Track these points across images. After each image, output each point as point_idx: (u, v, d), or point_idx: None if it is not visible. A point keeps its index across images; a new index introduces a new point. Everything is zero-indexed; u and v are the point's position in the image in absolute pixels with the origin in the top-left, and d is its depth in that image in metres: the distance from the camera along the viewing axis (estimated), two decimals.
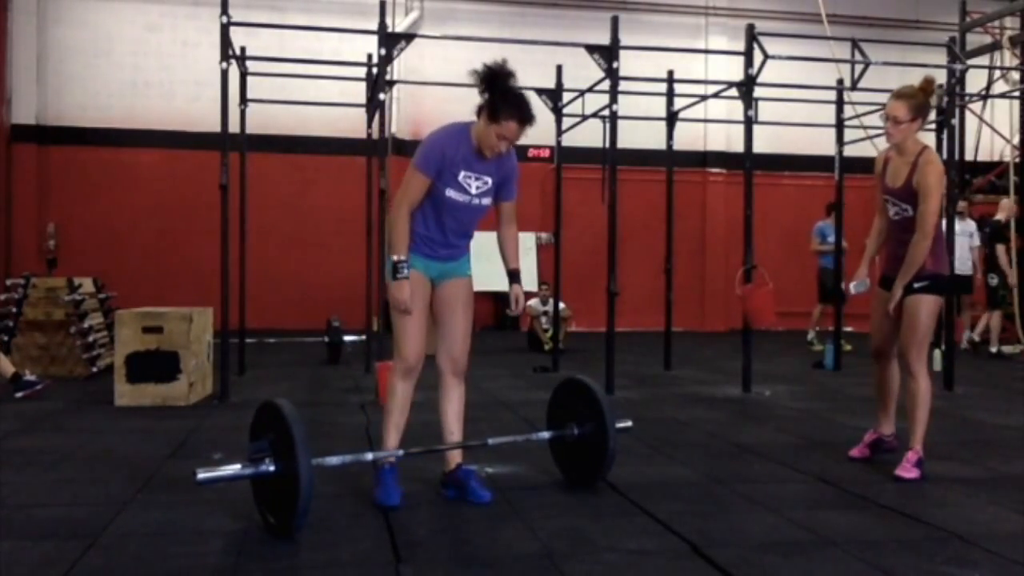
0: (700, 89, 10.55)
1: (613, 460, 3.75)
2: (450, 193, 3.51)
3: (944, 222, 6.19)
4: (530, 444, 3.93)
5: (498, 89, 3.43)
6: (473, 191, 3.55)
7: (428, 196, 3.53)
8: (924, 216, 4.08)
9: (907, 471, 4.06)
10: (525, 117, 3.45)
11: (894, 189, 4.23)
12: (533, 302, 10.77)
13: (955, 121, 8.03)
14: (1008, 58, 12.16)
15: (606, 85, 7.19)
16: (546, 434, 3.97)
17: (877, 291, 4.38)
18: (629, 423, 4.00)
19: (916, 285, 4.15)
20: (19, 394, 6.31)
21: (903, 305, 4.20)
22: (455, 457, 3.69)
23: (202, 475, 3.09)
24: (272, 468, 3.14)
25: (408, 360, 3.58)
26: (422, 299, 3.61)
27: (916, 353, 4.16)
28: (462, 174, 3.51)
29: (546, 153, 13.53)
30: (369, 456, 3.44)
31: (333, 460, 3.42)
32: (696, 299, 14.66)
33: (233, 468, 3.20)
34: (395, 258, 3.49)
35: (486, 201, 3.63)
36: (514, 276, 3.77)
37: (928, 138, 9.05)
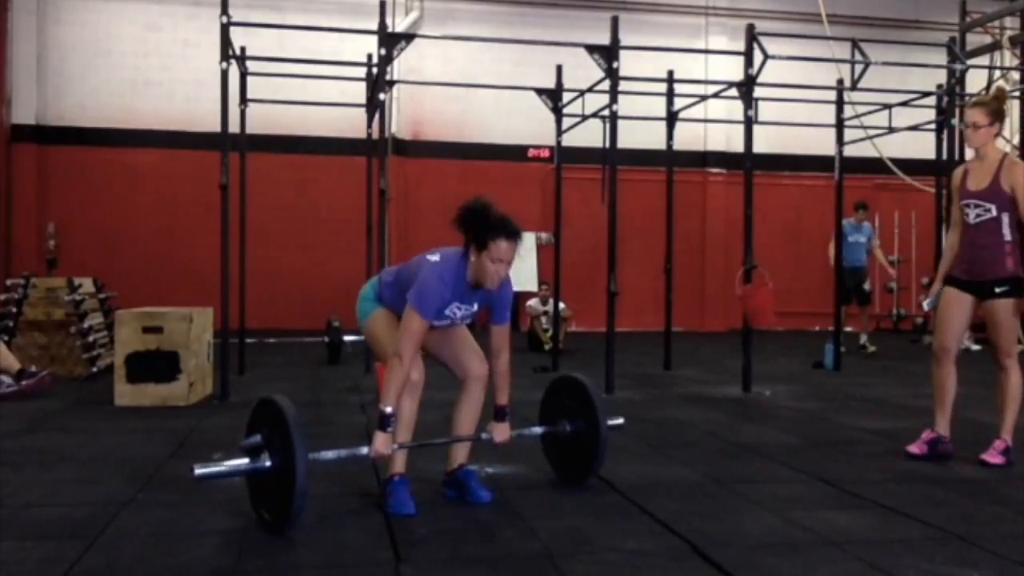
0: (700, 89, 10.54)
1: (604, 457, 3.76)
2: (438, 323, 3.47)
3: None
4: (523, 440, 3.94)
5: (477, 220, 3.33)
6: (457, 317, 3.53)
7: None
8: None
9: (992, 456, 4.30)
10: (511, 232, 3.33)
11: (977, 191, 4.38)
12: (533, 302, 10.78)
13: (955, 121, 8.03)
14: (1008, 58, 12.13)
15: (606, 85, 7.18)
16: (539, 429, 3.98)
17: (946, 290, 4.49)
18: (621, 420, 4.01)
19: (998, 290, 4.30)
20: (24, 382, 6.33)
21: (985, 308, 4.37)
22: (458, 457, 3.68)
23: (199, 471, 3.10)
24: (268, 463, 3.15)
25: (402, 366, 3.36)
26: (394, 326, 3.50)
27: (1006, 353, 4.35)
28: (451, 307, 3.47)
29: (546, 153, 13.55)
30: (364, 451, 3.42)
31: (329, 454, 3.41)
32: (696, 299, 14.66)
33: (230, 463, 3.21)
34: (385, 410, 3.31)
35: (466, 321, 3.61)
36: (499, 413, 3.65)
37: (928, 138, 9.12)
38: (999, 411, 4.42)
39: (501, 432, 3.68)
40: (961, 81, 7.86)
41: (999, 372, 4.42)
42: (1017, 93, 11.37)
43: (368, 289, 3.69)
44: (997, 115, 4.37)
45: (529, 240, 14.16)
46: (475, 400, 3.69)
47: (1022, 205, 4.24)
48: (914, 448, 4.49)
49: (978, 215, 4.35)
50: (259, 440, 3.19)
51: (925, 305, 4.77)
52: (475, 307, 3.56)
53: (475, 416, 3.70)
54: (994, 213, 4.30)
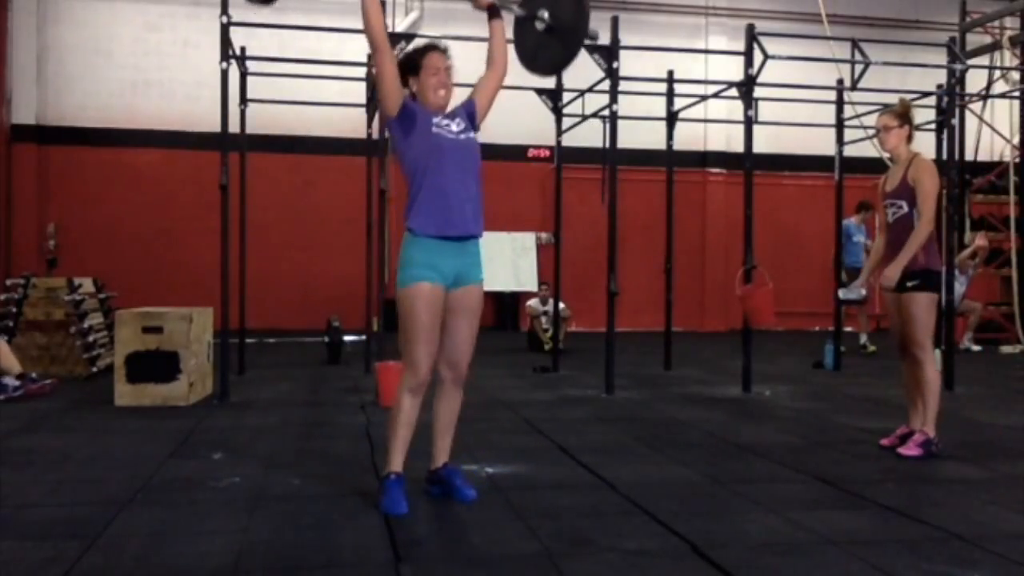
0: (700, 89, 10.54)
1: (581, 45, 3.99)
2: (437, 131, 3.56)
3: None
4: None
5: (406, 58, 3.72)
6: (455, 128, 3.64)
7: (423, 158, 3.53)
8: (923, 201, 4.51)
9: (908, 449, 4.51)
10: (436, 46, 3.70)
11: (891, 191, 4.70)
12: (533, 302, 10.77)
13: (955, 121, 8.03)
14: (1008, 58, 12.13)
15: (606, 85, 7.18)
16: (520, 11, 4.10)
17: (885, 294, 4.75)
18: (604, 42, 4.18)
19: (908, 284, 4.53)
20: (27, 386, 6.31)
21: (900, 303, 4.60)
22: (441, 456, 3.66)
23: None
24: None
25: (419, 374, 3.44)
26: (435, 314, 3.47)
27: (918, 346, 4.56)
28: (433, 119, 3.59)
29: (546, 153, 13.53)
30: None
31: None
32: (696, 299, 14.66)
33: None
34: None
35: (472, 135, 3.72)
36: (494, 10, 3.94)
37: (928, 138, 9.11)
38: (910, 404, 4.70)
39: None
40: (961, 81, 7.87)
41: (909, 363, 4.64)
42: (1017, 93, 11.39)
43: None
44: (904, 118, 4.68)
45: (529, 240, 14.17)
46: (454, 402, 3.66)
47: (919, 199, 4.50)
48: (885, 440, 4.78)
49: (893, 213, 4.64)
50: None
51: (841, 295, 5.17)
52: (462, 123, 3.70)
53: (456, 418, 3.68)
54: (906, 209, 4.57)
